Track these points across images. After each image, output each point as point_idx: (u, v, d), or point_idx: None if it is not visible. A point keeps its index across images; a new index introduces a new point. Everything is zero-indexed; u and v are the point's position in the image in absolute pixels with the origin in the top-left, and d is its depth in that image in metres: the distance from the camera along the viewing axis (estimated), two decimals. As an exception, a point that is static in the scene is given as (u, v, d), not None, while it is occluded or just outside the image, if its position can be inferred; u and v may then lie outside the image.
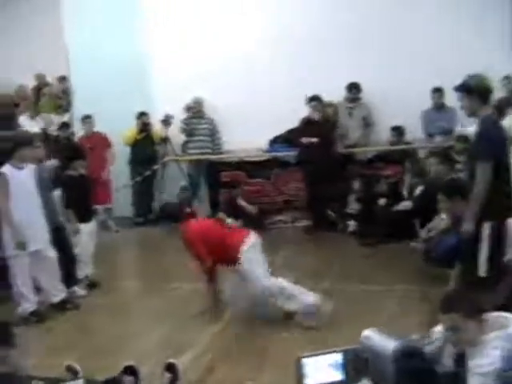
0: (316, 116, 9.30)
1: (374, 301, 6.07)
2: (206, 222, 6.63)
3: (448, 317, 3.15)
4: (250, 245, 5.75)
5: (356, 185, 9.14)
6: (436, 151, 8.23)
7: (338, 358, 1.61)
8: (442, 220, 6.71)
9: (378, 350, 1.57)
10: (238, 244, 5.72)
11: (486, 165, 4.76)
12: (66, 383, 2.83)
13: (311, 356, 1.61)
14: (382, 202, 8.77)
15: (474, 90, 4.84)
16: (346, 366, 1.60)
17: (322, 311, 5.55)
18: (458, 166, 7.51)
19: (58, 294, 6.51)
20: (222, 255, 5.82)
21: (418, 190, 7.98)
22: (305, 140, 9.29)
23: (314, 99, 9.30)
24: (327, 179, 9.19)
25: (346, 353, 1.61)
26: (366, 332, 1.62)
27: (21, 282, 6.23)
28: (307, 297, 5.61)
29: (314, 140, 9.20)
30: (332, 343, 4.10)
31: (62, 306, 6.48)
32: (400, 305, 5.99)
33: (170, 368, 4.15)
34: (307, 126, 9.40)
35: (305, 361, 1.60)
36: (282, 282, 5.66)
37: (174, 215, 6.59)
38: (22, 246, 6.06)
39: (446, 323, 3.15)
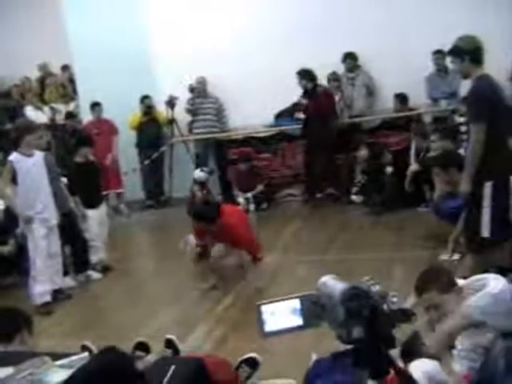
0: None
1: (383, 267, 6.05)
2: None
3: (424, 297, 3.22)
4: None
5: (362, 154, 9.11)
6: (438, 127, 8.11)
7: (295, 304, 1.68)
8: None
9: (330, 294, 1.65)
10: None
11: (478, 126, 4.71)
12: (72, 357, 2.91)
13: (270, 303, 1.68)
14: (389, 170, 8.77)
15: (465, 52, 4.80)
16: (303, 312, 1.67)
17: None
18: (463, 137, 7.46)
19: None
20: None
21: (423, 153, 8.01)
22: (296, 115, 9.53)
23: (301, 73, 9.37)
24: (324, 152, 9.33)
25: (303, 299, 1.68)
26: (323, 278, 1.71)
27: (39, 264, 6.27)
28: None
29: (302, 116, 9.45)
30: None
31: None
32: (409, 270, 6.00)
33: (170, 344, 4.21)
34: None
35: (264, 308, 1.67)
36: None
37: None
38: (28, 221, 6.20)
39: (424, 304, 3.22)
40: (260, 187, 9.65)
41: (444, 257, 6.03)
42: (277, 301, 1.69)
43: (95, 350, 4.22)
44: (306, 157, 9.64)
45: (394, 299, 1.59)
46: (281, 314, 1.68)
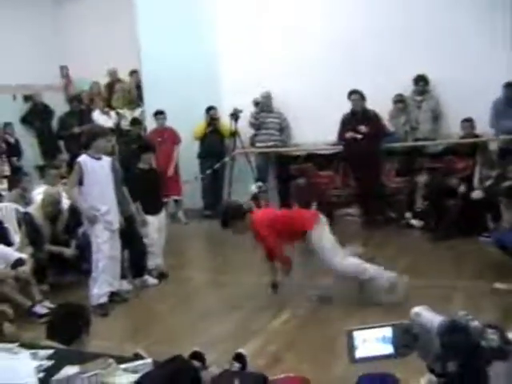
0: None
1: (441, 295, 5.92)
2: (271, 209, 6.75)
3: None
4: (319, 222, 6.00)
5: (423, 179, 8.98)
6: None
7: (387, 332, 1.66)
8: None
9: (425, 325, 1.63)
10: (306, 221, 6.00)
11: None
12: (136, 362, 2.94)
13: (362, 329, 1.68)
14: (462, 188, 8.52)
15: None
16: (395, 340, 1.66)
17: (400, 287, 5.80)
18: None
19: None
20: (290, 234, 6.04)
21: (489, 181, 7.85)
22: (349, 135, 9.42)
23: (354, 93, 9.40)
24: (370, 174, 9.38)
25: (395, 327, 1.66)
26: (417, 309, 1.68)
27: (101, 266, 6.37)
28: (386, 274, 5.89)
29: (359, 136, 9.35)
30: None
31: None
32: (468, 301, 5.87)
33: (239, 358, 4.18)
34: (351, 120, 9.51)
35: (356, 333, 1.66)
36: (362, 263, 5.94)
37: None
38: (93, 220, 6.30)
39: None
40: (314, 205, 9.59)
41: (498, 285, 5.89)
42: (368, 328, 1.68)
43: (147, 358, 4.25)
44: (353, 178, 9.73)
45: (493, 336, 1.56)
46: (372, 342, 1.68)
